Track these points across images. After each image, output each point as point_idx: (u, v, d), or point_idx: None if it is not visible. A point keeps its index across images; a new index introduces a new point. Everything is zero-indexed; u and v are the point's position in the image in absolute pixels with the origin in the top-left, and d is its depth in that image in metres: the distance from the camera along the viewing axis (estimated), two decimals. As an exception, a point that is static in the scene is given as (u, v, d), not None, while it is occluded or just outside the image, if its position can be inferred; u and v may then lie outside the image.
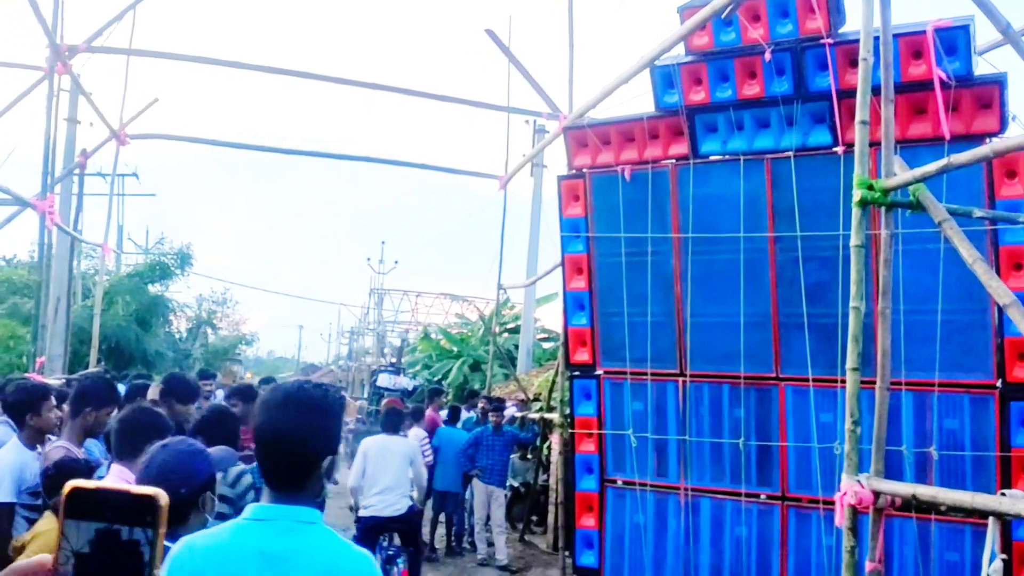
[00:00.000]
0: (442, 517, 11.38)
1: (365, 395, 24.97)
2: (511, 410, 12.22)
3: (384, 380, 24.15)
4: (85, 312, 17.29)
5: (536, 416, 11.92)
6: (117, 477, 3.17)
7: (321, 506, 2.19)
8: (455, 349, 24.69)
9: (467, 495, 11.19)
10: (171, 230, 43.80)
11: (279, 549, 1.99)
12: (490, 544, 10.39)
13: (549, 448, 11.80)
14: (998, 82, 5.65)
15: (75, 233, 11.47)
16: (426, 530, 11.36)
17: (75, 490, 0.92)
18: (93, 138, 12.41)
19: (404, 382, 24.23)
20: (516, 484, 12.38)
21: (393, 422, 7.97)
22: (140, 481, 2.59)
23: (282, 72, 11.86)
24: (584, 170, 7.29)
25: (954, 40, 5.60)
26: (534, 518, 12.59)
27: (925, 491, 3.85)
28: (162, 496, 0.93)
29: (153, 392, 6.02)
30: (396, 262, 43.71)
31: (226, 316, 33.79)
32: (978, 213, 4.38)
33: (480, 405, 11.22)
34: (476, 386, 20.33)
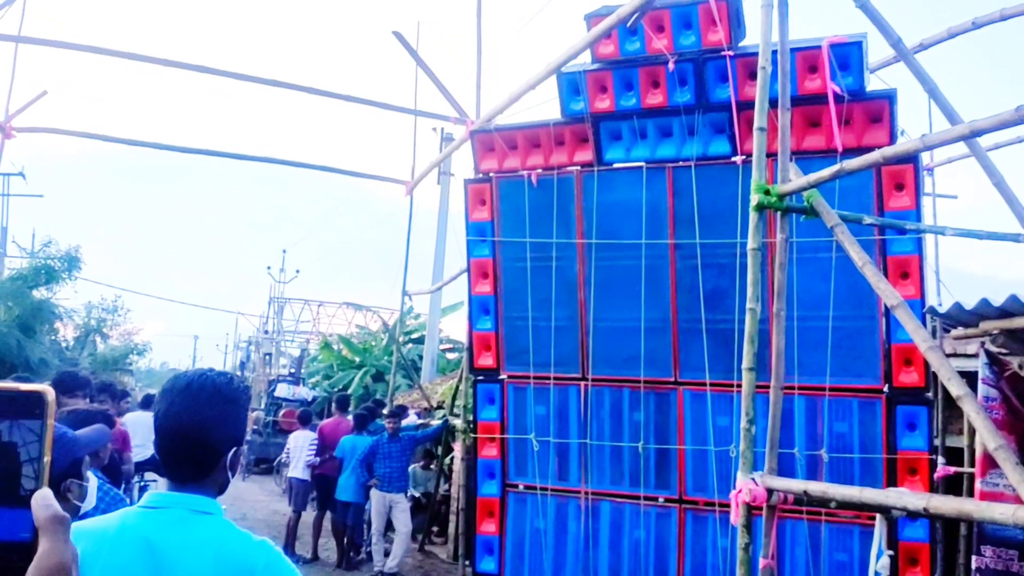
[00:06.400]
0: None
1: (262, 406, 24.30)
2: (412, 417, 12.04)
3: (282, 390, 23.64)
4: (-35, 316, 16.34)
5: (438, 422, 11.80)
6: None
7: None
8: (357, 359, 24.26)
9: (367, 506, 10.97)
10: (60, 233, 41.70)
11: (166, 538, 1.87)
12: (387, 555, 10.20)
13: (451, 458, 11.70)
14: (888, 97, 5.91)
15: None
16: (310, 539, 11.23)
17: None
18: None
19: (303, 392, 23.76)
20: (417, 494, 12.22)
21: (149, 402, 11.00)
22: None
23: (178, 66, 11.37)
24: (491, 174, 7.29)
25: (848, 56, 5.83)
26: (435, 529, 12.45)
27: (816, 487, 3.95)
28: (49, 392, 0.91)
29: None
30: (297, 271, 42.65)
31: (117, 325, 32.33)
32: (868, 220, 4.54)
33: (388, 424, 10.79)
34: (379, 396, 20.03)
